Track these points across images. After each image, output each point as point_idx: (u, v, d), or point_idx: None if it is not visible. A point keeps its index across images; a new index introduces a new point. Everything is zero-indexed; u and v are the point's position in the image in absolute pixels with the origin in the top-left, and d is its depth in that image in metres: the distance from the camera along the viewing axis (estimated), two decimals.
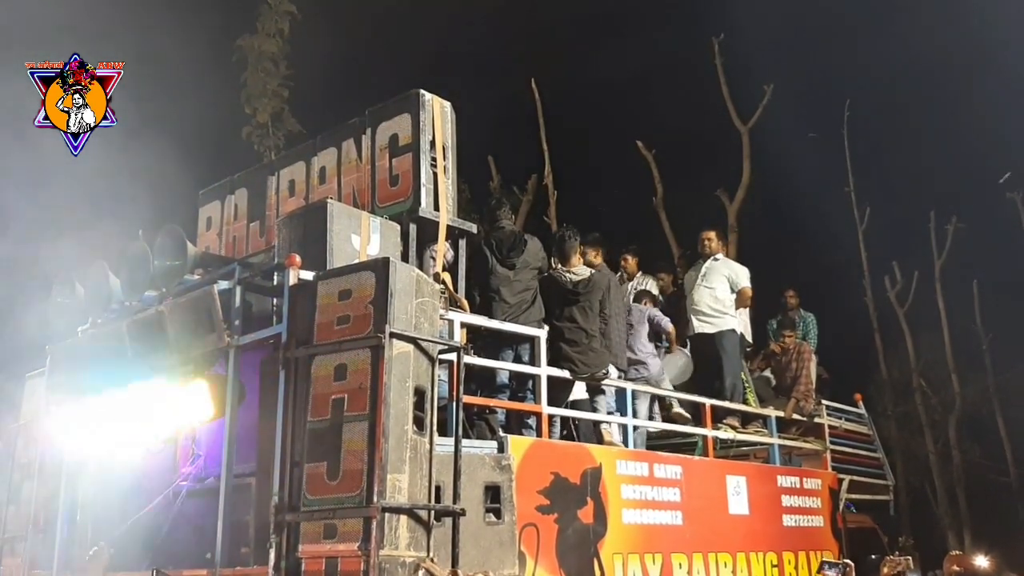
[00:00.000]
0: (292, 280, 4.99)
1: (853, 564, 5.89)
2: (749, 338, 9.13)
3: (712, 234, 8.97)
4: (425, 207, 5.97)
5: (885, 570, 5.57)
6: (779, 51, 19.99)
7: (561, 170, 19.11)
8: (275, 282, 5.35)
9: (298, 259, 5.04)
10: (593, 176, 22.00)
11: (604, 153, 21.54)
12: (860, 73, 22.39)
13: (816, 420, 9.11)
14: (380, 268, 4.70)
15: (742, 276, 8.72)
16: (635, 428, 7.17)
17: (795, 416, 8.86)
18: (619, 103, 21.67)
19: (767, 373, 9.40)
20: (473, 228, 6.42)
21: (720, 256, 8.83)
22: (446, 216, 6.06)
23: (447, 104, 6.25)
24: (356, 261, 5.12)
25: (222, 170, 8.00)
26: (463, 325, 5.86)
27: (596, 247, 7.99)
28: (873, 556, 8.87)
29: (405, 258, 5.67)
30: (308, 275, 4.99)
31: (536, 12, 22.69)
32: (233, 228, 7.42)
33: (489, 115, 16.77)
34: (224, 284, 5.36)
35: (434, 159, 6.07)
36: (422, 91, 6.13)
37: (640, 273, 9.27)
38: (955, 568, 5.04)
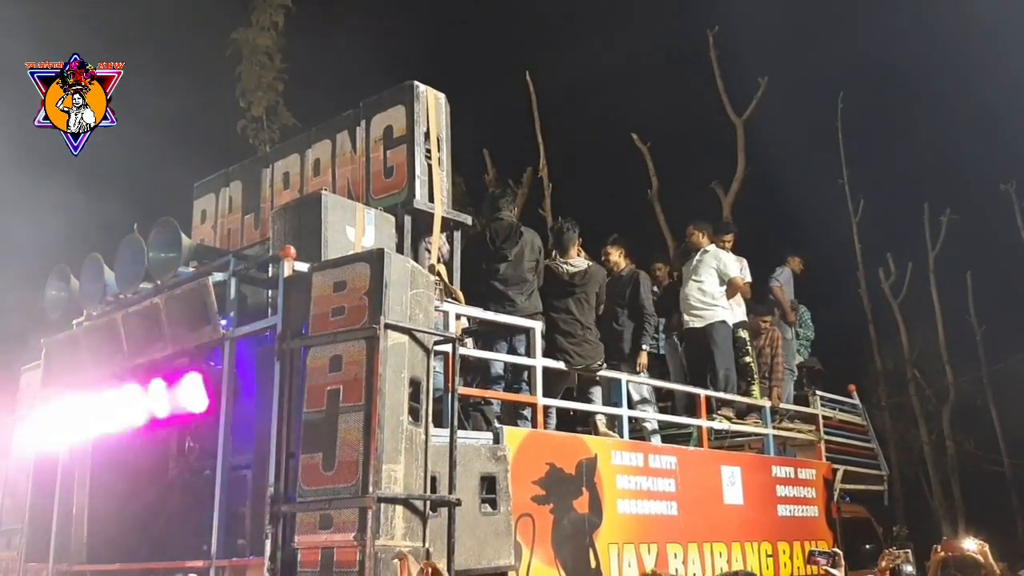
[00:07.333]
0: (287, 272, 4.99)
1: (842, 553, 5.90)
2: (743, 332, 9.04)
3: (694, 228, 8.91)
4: (420, 199, 5.96)
5: (883, 563, 5.56)
6: (773, 44, 20.04)
7: (556, 163, 19.15)
8: (270, 274, 5.36)
9: (293, 251, 5.03)
10: (588, 169, 22.01)
11: (599, 146, 21.56)
12: (854, 66, 22.43)
13: (809, 410, 9.17)
14: (375, 259, 4.69)
15: (732, 267, 8.59)
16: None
17: (782, 406, 8.90)
18: (614, 96, 21.70)
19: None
20: (468, 220, 6.41)
21: (710, 249, 8.68)
22: (441, 208, 6.04)
23: (441, 96, 6.24)
24: (351, 253, 5.12)
25: (217, 163, 8.00)
26: (458, 316, 5.86)
27: (618, 247, 8.11)
28: (868, 546, 8.91)
29: (400, 250, 5.66)
30: (303, 267, 4.98)
31: (531, 5, 22.68)
32: (228, 221, 7.41)
33: (485, 108, 16.79)
34: (219, 276, 5.38)
35: (428, 151, 6.07)
36: (416, 83, 6.11)
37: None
38: (941, 553, 5.03)
